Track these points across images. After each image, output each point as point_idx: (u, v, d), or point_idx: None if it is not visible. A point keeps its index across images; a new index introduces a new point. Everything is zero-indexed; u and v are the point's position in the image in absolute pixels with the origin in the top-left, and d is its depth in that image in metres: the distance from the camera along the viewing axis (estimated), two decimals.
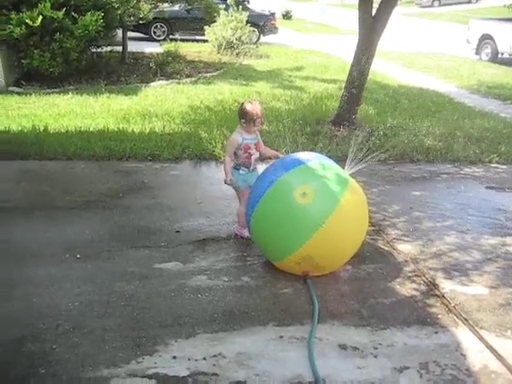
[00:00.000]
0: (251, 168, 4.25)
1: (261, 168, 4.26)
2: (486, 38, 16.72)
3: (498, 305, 3.63)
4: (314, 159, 3.82)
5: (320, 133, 7.28)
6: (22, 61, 9.72)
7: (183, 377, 2.80)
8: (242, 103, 4.22)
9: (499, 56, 16.47)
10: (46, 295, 3.47)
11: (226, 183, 4.23)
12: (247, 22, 15.37)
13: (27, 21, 9.17)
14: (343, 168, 3.96)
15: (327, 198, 3.57)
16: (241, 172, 4.23)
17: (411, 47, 18.40)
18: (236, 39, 14.84)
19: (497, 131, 8.03)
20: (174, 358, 2.94)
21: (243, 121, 4.12)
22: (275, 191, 3.65)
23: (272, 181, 3.69)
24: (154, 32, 17.65)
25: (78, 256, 3.98)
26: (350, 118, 7.66)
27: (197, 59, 13.61)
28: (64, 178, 5.57)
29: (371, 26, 7.25)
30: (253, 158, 4.22)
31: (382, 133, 7.34)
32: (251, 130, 4.14)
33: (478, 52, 17.01)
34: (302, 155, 3.93)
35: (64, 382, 2.73)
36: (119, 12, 11.30)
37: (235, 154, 4.21)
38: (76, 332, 3.12)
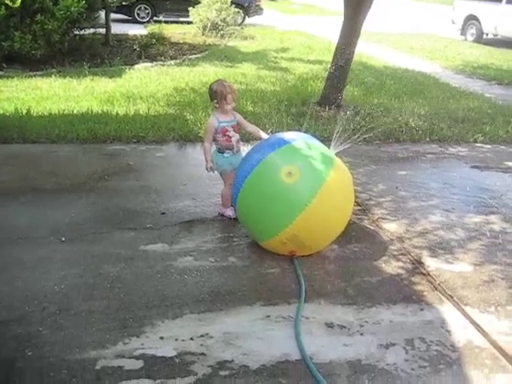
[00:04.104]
0: (235, 150, 4.22)
1: (246, 148, 4.24)
2: (470, 19, 16.75)
3: (482, 281, 3.67)
4: (299, 139, 3.80)
5: (305, 113, 7.26)
6: (3, 43, 9.53)
7: (170, 357, 2.80)
8: (210, 84, 4.20)
9: (484, 36, 16.51)
10: (31, 278, 3.45)
11: (207, 170, 4.21)
12: (232, 2, 15.24)
13: (6, 2, 9.00)
14: (329, 148, 3.95)
15: (313, 177, 3.56)
16: (225, 155, 4.20)
17: (397, 28, 18.36)
18: (221, 20, 14.69)
19: (481, 111, 8.08)
20: (161, 338, 2.94)
21: (215, 101, 4.11)
22: (261, 171, 3.64)
23: (257, 161, 3.67)
24: (138, 14, 17.41)
25: (63, 239, 3.95)
26: (335, 98, 7.63)
27: (181, 41, 13.48)
28: (48, 161, 5.50)
29: (356, 6, 7.20)
30: (233, 139, 4.18)
31: (367, 113, 7.34)
32: (225, 109, 4.11)
33: (463, 32, 17.05)
34: (288, 135, 3.91)
35: (51, 364, 2.72)
36: None
37: (214, 138, 4.19)
38: (62, 314, 3.10)
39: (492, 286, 3.63)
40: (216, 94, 4.07)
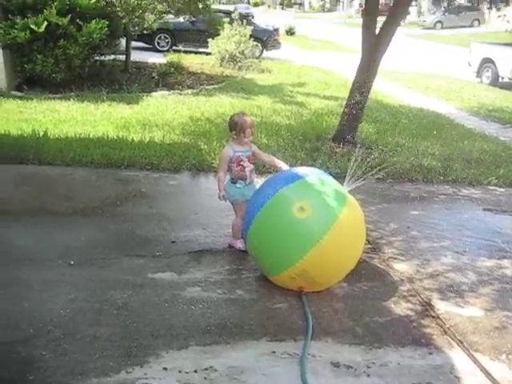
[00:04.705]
0: (248, 181, 4.23)
1: (259, 181, 4.25)
2: (486, 62, 16.83)
3: (493, 328, 3.60)
4: (312, 174, 3.81)
5: (319, 149, 7.29)
6: (25, 65, 9.74)
7: None
8: (232, 115, 4.28)
9: (500, 80, 16.57)
10: (37, 300, 3.44)
11: (219, 199, 4.22)
12: (251, 36, 15.48)
13: (32, 26, 9.22)
14: (342, 185, 3.95)
15: (325, 213, 3.55)
16: (238, 186, 4.21)
17: (413, 68, 18.50)
18: (239, 53, 14.92)
19: (496, 154, 8.05)
20: (165, 369, 2.90)
21: (234, 132, 4.17)
22: (273, 205, 3.63)
23: (270, 194, 3.67)
24: (158, 43, 17.75)
25: (72, 262, 3.95)
26: (350, 135, 7.67)
27: (199, 71, 13.68)
28: (62, 183, 5.55)
29: (374, 44, 7.29)
30: (247, 170, 4.20)
31: (381, 151, 7.36)
32: (243, 141, 4.15)
33: (478, 75, 17.12)
34: (301, 170, 3.93)
35: None
36: (124, 21, 11.38)
37: (229, 168, 4.22)
38: (67, 339, 3.08)
39: (503, 333, 3.55)
40: (236, 126, 4.12)
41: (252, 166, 4.24)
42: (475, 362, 3.23)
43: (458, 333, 3.50)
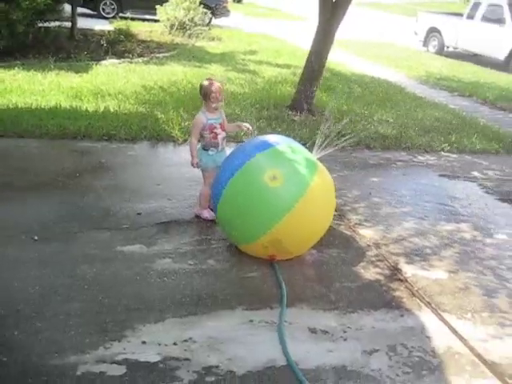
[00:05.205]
0: (220, 148, 4.19)
1: (229, 150, 4.19)
2: (433, 31, 17.12)
3: (457, 289, 3.74)
4: (283, 142, 3.78)
5: (277, 117, 7.27)
6: None
7: (154, 362, 2.73)
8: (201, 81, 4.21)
9: (445, 49, 16.91)
10: (3, 279, 3.31)
11: (193, 166, 4.15)
12: (200, 3, 15.10)
13: None
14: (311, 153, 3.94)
15: (297, 181, 3.54)
16: (210, 153, 4.16)
17: (362, 36, 18.59)
18: (188, 20, 14.54)
19: (447, 121, 8.26)
20: (144, 343, 2.87)
21: (201, 97, 4.11)
22: (244, 174, 3.59)
23: (241, 163, 3.62)
24: (103, 9, 17.02)
25: (36, 238, 3.80)
26: (306, 103, 7.67)
27: (149, 39, 13.26)
28: (16, 156, 5.30)
29: (331, 11, 7.25)
30: (219, 137, 4.16)
31: (338, 119, 7.39)
32: (209, 106, 4.10)
33: (425, 44, 17.41)
34: (271, 138, 3.88)
35: (29, 369, 2.61)
36: None
37: (201, 135, 4.15)
38: (38, 317, 2.98)
39: (467, 293, 3.70)
40: (201, 91, 4.08)
41: (224, 134, 4.19)
42: (443, 321, 3.36)
43: (425, 295, 3.61)
